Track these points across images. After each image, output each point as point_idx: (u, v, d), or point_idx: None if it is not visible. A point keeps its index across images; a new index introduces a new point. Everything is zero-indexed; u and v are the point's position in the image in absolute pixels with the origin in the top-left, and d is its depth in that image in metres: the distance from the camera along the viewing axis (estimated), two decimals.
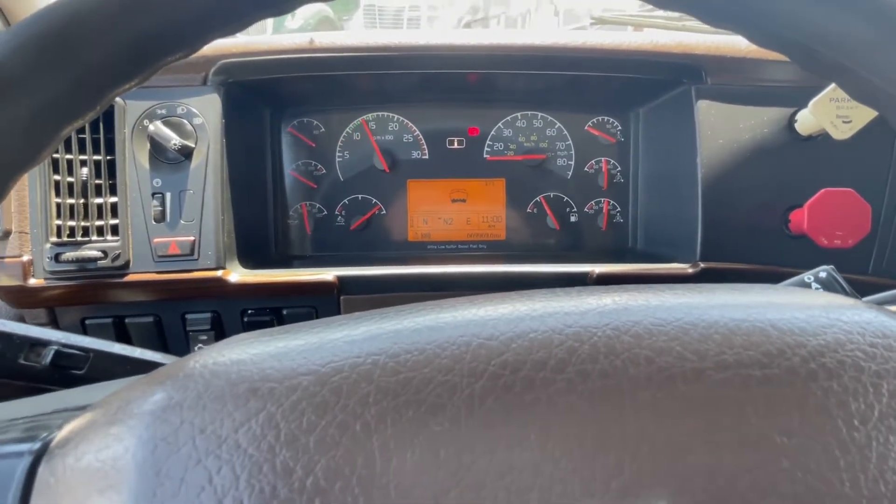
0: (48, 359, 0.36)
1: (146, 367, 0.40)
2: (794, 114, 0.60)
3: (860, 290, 0.43)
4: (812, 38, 0.21)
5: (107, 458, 0.17)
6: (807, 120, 0.57)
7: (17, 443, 0.19)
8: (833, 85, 0.54)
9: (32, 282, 0.58)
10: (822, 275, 0.38)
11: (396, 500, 0.16)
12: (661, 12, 0.94)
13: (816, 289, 0.37)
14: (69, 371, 0.38)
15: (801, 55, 0.22)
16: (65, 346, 0.37)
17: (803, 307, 0.20)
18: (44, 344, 0.37)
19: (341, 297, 0.63)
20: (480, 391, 0.17)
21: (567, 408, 0.17)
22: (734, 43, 0.62)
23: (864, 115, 0.53)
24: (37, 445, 0.18)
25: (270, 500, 0.16)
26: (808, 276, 0.38)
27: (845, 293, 0.37)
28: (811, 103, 0.55)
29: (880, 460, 0.17)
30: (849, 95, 0.23)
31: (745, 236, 0.61)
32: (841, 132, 0.54)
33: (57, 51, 0.19)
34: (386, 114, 0.74)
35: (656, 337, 0.18)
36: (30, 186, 0.57)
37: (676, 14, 0.80)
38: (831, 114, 0.54)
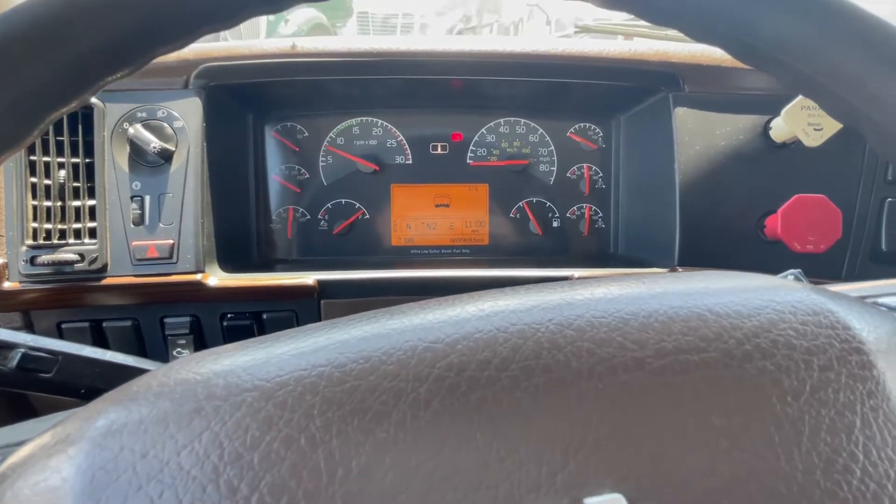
0: (14, 362, 0.36)
1: (116, 370, 0.40)
2: (769, 121, 0.61)
3: None
4: (747, 33, 0.21)
5: (44, 490, 0.16)
6: (780, 127, 0.58)
7: None
8: None
9: (7, 285, 0.57)
10: (790, 278, 0.39)
11: None
12: (643, 21, 0.96)
13: None
14: (37, 374, 0.37)
15: (739, 50, 0.23)
16: (32, 348, 0.37)
17: (738, 290, 0.21)
18: (10, 347, 0.36)
19: (321, 302, 0.63)
20: (426, 394, 0.17)
21: (512, 405, 0.17)
22: (710, 51, 0.63)
23: (834, 122, 0.54)
24: None
25: None
26: None
27: None
28: (784, 111, 0.56)
29: (813, 433, 0.17)
30: (785, 87, 0.23)
31: (722, 241, 0.61)
32: (812, 139, 0.55)
33: None
34: (370, 119, 0.74)
35: (598, 329, 0.19)
36: (6, 188, 0.57)
37: None
38: (803, 121, 0.55)
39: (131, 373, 0.40)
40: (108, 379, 0.39)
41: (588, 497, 0.16)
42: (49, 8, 0.18)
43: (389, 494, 0.16)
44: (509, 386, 0.17)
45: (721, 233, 0.61)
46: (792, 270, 0.39)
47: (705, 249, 0.61)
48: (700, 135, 0.61)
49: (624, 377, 0.18)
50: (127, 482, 0.16)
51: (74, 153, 0.58)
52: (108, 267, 0.58)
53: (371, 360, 0.18)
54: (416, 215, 0.76)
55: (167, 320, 0.63)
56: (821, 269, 0.60)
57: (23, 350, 0.36)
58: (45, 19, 0.18)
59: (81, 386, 0.38)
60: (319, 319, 0.64)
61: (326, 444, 0.16)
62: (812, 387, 0.18)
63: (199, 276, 0.59)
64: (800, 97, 0.55)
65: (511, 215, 0.76)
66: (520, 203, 0.76)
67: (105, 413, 0.18)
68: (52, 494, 0.16)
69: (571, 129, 0.76)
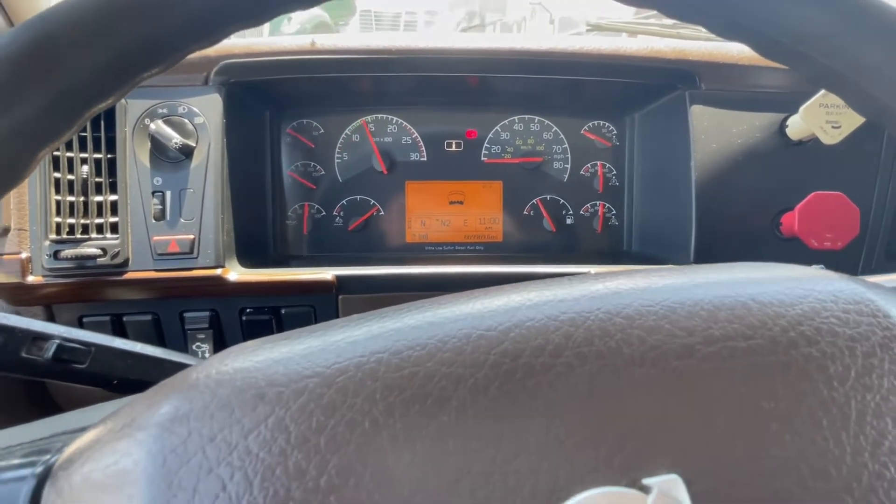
0: (50, 353, 0.36)
1: (147, 361, 0.40)
2: (786, 119, 0.61)
3: None
4: (770, 28, 0.22)
5: (116, 472, 0.17)
6: (797, 125, 0.58)
7: (17, 468, 0.18)
8: (823, 91, 0.55)
9: (31, 279, 0.58)
10: None
11: (410, 491, 0.16)
12: (655, 19, 0.96)
13: None
14: (71, 365, 0.38)
15: (763, 45, 0.23)
16: (67, 340, 0.37)
17: (780, 280, 0.21)
18: (46, 338, 0.37)
19: (339, 297, 0.64)
20: (484, 380, 0.18)
21: (567, 390, 0.18)
22: (727, 49, 0.64)
23: (852, 120, 0.54)
24: (39, 469, 0.18)
25: (286, 501, 0.16)
26: None
27: None
28: (801, 109, 0.57)
29: (859, 417, 0.18)
30: (809, 81, 0.24)
31: (738, 239, 0.62)
32: (830, 137, 0.55)
33: (31, 72, 0.18)
34: (385, 116, 0.75)
35: (646, 317, 0.19)
36: (29, 184, 0.57)
37: (670, 21, 0.82)
38: (821, 119, 0.55)
39: (161, 364, 0.40)
40: (139, 370, 0.39)
41: (646, 478, 0.16)
42: (92, 5, 0.19)
43: (454, 478, 0.16)
44: (564, 372, 0.18)
45: (737, 230, 0.61)
46: (815, 266, 0.39)
47: (721, 247, 0.62)
48: (716, 132, 0.62)
49: (675, 363, 0.18)
50: (198, 465, 0.16)
51: (97, 149, 0.59)
52: (130, 261, 0.59)
53: (427, 346, 0.19)
54: (431, 212, 0.76)
55: (187, 315, 0.64)
56: (836, 266, 0.60)
57: (58, 341, 0.37)
58: (90, 16, 0.19)
59: (114, 377, 0.39)
60: (337, 314, 0.65)
61: (391, 427, 0.17)
62: (857, 373, 0.18)
63: (219, 271, 0.60)
64: (818, 95, 0.56)
65: (525, 212, 0.77)
66: (533, 200, 0.76)
67: (169, 399, 0.18)
68: (124, 477, 0.17)
69: (585, 127, 0.76)
